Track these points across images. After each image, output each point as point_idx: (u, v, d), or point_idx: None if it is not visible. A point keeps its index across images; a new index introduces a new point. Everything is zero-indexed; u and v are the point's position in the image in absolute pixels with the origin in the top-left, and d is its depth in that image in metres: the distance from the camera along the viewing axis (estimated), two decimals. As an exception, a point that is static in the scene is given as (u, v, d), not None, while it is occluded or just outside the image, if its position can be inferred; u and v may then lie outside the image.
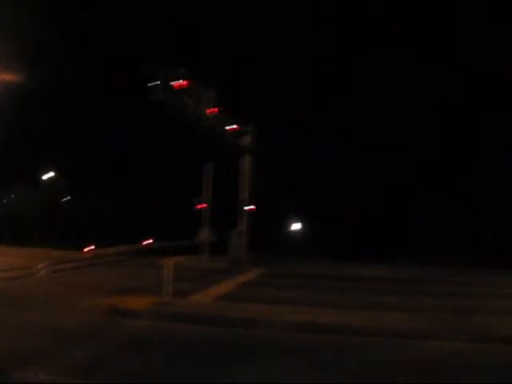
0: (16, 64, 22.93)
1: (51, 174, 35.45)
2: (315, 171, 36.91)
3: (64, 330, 9.93)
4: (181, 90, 20.68)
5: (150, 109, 24.70)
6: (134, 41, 34.94)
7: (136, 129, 34.59)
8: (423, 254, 29.31)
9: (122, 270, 21.60)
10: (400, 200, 35.42)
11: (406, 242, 31.53)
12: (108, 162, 36.10)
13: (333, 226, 35.04)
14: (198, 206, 27.69)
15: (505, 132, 33.63)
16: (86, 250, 21.52)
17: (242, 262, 24.67)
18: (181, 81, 20.55)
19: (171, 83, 20.38)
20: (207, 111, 22.87)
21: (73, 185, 36.34)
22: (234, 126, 25.41)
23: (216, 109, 23.35)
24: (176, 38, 35.03)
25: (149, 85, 21.20)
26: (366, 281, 20.39)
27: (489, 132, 34.45)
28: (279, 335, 10.31)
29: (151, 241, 25.50)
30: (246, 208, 27.57)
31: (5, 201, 40.35)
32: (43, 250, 24.96)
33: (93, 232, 26.86)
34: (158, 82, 20.23)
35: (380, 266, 25.56)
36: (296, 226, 37.24)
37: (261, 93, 33.75)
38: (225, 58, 35.24)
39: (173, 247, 23.60)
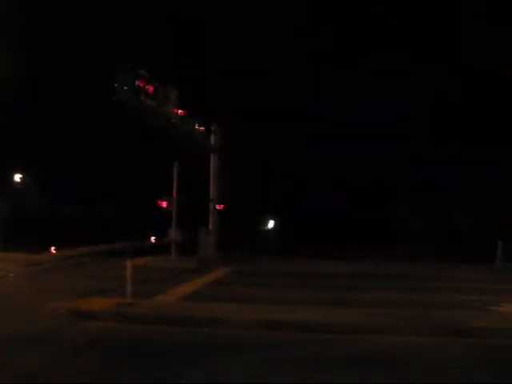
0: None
1: (18, 176, 34.76)
2: (288, 170, 36.99)
3: (21, 334, 9.66)
4: (144, 90, 20.35)
5: (115, 110, 24.35)
6: (96, 41, 34.58)
7: (101, 130, 34.13)
8: (397, 251, 29.68)
9: (88, 271, 21.24)
10: (376, 198, 35.73)
11: (380, 239, 31.82)
12: (71, 164, 35.63)
13: (305, 224, 35.11)
14: (166, 205, 27.42)
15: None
16: (51, 251, 21.11)
17: (211, 261, 24.52)
18: (144, 81, 20.24)
19: (134, 84, 20.04)
20: (171, 112, 22.59)
21: (35, 187, 35.80)
22: (199, 127, 25.21)
23: (179, 109, 23.09)
24: (140, 37, 34.66)
25: (115, 85, 20.82)
26: (337, 277, 20.39)
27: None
28: (245, 334, 10.17)
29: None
30: (214, 207, 27.45)
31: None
32: (6, 253, 24.44)
33: (56, 234, 26.34)
34: (121, 83, 19.83)
35: (351, 263, 25.67)
36: (269, 224, 37.31)
37: (227, 93, 33.64)
38: (193, 58, 35.07)
39: (141, 247, 23.29)
